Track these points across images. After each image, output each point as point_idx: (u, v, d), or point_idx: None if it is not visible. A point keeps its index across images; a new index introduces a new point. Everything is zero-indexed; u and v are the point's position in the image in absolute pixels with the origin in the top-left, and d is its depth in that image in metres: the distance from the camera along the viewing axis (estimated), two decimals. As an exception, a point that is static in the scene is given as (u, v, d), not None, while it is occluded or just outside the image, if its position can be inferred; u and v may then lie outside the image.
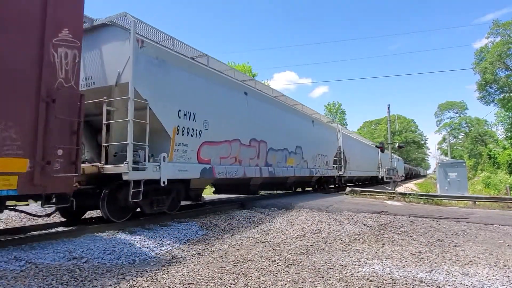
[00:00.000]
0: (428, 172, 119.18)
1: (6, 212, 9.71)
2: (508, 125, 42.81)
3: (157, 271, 4.45)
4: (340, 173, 19.31)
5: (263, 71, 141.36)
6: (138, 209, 7.43)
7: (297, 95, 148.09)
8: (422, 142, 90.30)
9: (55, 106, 4.75)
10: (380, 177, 32.30)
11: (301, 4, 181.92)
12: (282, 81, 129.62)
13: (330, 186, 20.04)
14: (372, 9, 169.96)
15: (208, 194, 12.88)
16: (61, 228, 6.88)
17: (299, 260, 5.09)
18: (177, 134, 7.52)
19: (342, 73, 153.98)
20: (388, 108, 22.90)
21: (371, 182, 32.56)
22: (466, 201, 14.65)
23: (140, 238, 6.06)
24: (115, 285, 3.86)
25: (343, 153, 19.88)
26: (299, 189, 17.92)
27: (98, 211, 9.37)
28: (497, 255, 5.73)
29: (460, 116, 69.96)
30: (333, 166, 18.83)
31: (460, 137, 70.64)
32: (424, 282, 4.21)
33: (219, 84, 9.37)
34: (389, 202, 13.69)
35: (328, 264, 4.89)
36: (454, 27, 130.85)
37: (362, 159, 26.18)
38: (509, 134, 42.28)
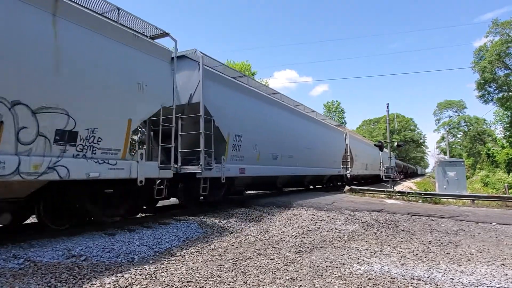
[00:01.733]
0: (427, 170, 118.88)
1: (4, 210, 9.66)
2: (507, 124, 42.89)
3: (156, 269, 4.45)
4: (213, 171, 8.65)
5: (264, 69, 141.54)
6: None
7: (298, 94, 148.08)
8: (421, 141, 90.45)
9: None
10: (348, 176, 21.02)
11: (302, 2, 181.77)
12: (282, 79, 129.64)
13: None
14: (372, 7, 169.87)
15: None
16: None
17: (298, 259, 5.10)
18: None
19: (342, 72, 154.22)
20: (387, 106, 22.89)
21: (328, 184, 19.89)
22: (464, 200, 14.68)
23: (139, 236, 6.06)
24: (114, 283, 3.86)
25: (212, 120, 8.75)
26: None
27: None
28: (495, 253, 5.75)
29: (459, 115, 70.14)
30: (164, 159, 7.61)
31: (459, 136, 70.76)
32: (422, 280, 4.23)
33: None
34: (388, 201, 13.72)
35: (326, 263, 4.91)
36: (453, 26, 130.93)
37: (296, 141, 14.02)
38: (508, 133, 42.36)
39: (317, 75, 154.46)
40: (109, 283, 3.87)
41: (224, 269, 4.49)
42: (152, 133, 8.00)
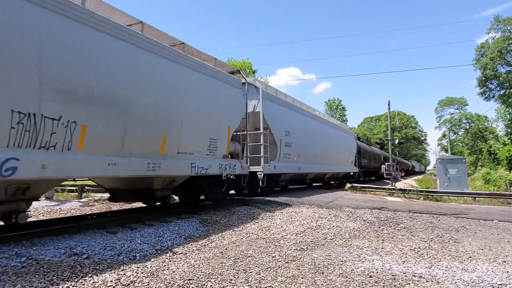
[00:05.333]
0: (428, 168, 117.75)
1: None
2: (508, 121, 42.76)
3: (157, 267, 4.46)
4: None
5: (266, 67, 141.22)
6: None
7: (300, 91, 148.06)
8: (422, 138, 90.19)
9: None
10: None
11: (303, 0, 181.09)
12: (285, 77, 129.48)
13: None
14: (373, 3, 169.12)
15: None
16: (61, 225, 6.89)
17: (299, 256, 5.11)
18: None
19: (344, 69, 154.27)
20: (388, 104, 22.82)
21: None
22: (466, 197, 14.65)
23: (141, 234, 6.08)
24: (116, 281, 3.88)
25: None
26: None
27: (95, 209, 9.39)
28: (497, 250, 5.75)
29: (460, 112, 69.84)
30: None
31: (460, 133, 70.53)
32: (424, 277, 4.23)
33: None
34: (389, 198, 13.71)
35: (328, 260, 4.91)
36: (456, 23, 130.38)
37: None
38: (509, 130, 42.25)
39: (320, 73, 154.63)
40: (111, 281, 3.88)
41: (226, 267, 4.50)
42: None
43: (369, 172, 31.43)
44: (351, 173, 23.04)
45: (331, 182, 22.27)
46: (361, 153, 25.56)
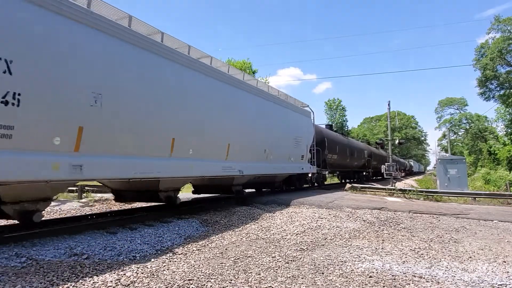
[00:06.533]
0: (428, 168, 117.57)
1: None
2: (508, 121, 42.75)
3: (157, 268, 4.46)
4: None
5: (267, 67, 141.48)
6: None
7: (301, 91, 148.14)
8: (422, 138, 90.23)
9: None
10: None
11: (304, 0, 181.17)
12: (286, 77, 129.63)
13: None
14: (373, 4, 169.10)
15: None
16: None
17: (299, 256, 5.11)
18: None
19: (345, 69, 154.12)
20: (388, 104, 22.81)
21: None
22: (466, 197, 14.64)
23: (141, 235, 6.08)
24: (116, 281, 3.88)
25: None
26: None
27: (95, 209, 9.32)
28: (497, 251, 5.75)
29: (460, 113, 69.88)
30: None
31: (460, 133, 70.58)
32: (424, 278, 4.23)
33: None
34: (389, 199, 13.71)
35: (328, 260, 4.91)
36: (455, 23, 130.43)
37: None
38: (509, 130, 42.24)
39: (321, 73, 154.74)
40: (111, 281, 3.88)
41: (226, 267, 4.50)
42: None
43: (345, 172, 24.15)
44: (309, 175, 16.01)
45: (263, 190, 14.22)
46: (325, 145, 16.89)
